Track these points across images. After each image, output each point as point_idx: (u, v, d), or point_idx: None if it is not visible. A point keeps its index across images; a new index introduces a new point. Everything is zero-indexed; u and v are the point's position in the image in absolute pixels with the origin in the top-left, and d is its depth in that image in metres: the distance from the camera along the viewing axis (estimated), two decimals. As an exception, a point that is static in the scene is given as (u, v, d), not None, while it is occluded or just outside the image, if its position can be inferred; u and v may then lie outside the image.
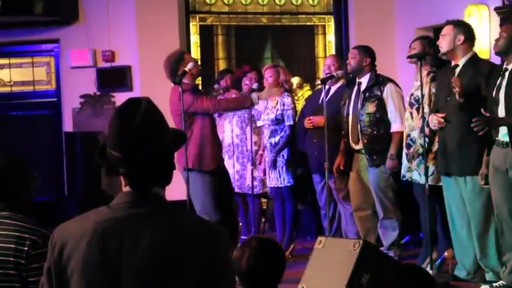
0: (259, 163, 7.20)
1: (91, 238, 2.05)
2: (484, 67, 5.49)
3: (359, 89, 6.32)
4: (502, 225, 5.29)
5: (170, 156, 2.17)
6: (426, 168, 5.69)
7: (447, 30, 5.62)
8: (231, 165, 7.15)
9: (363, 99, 6.25)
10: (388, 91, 6.22)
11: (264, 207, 7.92)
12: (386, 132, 6.20)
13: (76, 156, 8.58)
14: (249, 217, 7.33)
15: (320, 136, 6.38)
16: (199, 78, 7.38)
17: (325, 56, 9.25)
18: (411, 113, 5.97)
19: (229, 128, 7.30)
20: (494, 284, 5.39)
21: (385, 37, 8.90)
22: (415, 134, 5.92)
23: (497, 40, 5.29)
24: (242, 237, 7.23)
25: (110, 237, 2.04)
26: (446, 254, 5.91)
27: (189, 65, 5.96)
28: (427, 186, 5.64)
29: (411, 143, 5.96)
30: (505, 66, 5.23)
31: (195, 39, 9.15)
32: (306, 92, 8.93)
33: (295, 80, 8.71)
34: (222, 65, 9.35)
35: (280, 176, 6.88)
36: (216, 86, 7.74)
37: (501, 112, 5.12)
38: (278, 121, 6.87)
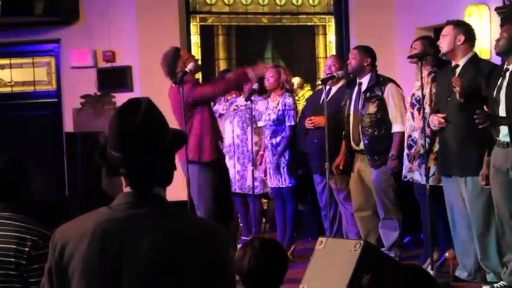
0: (260, 163, 7.19)
1: (91, 239, 2.05)
2: (485, 67, 5.49)
3: (360, 89, 6.32)
4: (503, 225, 5.28)
5: (170, 156, 2.17)
6: (427, 169, 5.69)
7: (447, 31, 5.61)
8: (231, 165, 7.15)
9: (363, 99, 6.24)
10: (389, 91, 6.22)
11: (265, 207, 7.91)
12: (388, 133, 6.20)
13: (76, 156, 8.59)
14: (249, 217, 7.33)
15: (321, 136, 6.38)
16: (200, 73, 7.39)
17: (326, 56, 9.25)
18: (412, 114, 5.97)
19: (230, 129, 7.30)
20: (495, 285, 5.38)
21: (386, 37, 8.90)
22: (416, 135, 5.92)
23: (497, 40, 5.28)
24: (243, 237, 7.24)
25: (110, 237, 2.04)
26: (447, 254, 5.91)
27: (190, 65, 5.97)
28: (427, 186, 5.63)
29: (412, 144, 5.96)
30: (505, 66, 5.22)
31: (195, 39, 9.15)
32: (306, 92, 8.93)
33: (296, 80, 8.71)
34: (222, 65, 9.35)
35: (281, 177, 6.88)
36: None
37: (502, 112, 5.12)
38: (279, 121, 6.87)
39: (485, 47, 7.40)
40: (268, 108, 6.97)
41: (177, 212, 2.12)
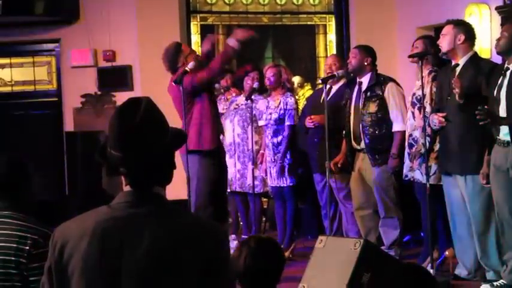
0: (261, 162, 7.19)
1: (91, 238, 2.05)
2: (485, 66, 5.49)
3: (360, 88, 6.32)
4: (503, 224, 5.29)
5: (170, 155, 2.17)
6: (427, 168, 5.69)
7: (447, 30, 5.61)
8: (232, 164, 7.16)
9: (364, 99, 6.25)
10: (389, 91, 6.22)
11: (265, 206, 7.92)
12: (388, 132, 6.20)
13: (77, 155, 8.59)
14: (249, 216, 7.33)
15: (321, 135, 6.38)
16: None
17: (326, 56, 9.25)
18: (413, 113, 5.97)
19: (230, 127, 7.30)
20: (494, 283, 5.39)
21: (386, 36, 8.90)
22: (417, 134, 5.92)
23: (498, 40, 5.28)
24: (243, 236, 7.24)
25: (110, 236, 2.05)
26: (447, 253, 5.91)
27: (190, 65, 5.97)
28: (428, 185, 5.63)
29: (413, 143, 5.96)
30: (506, 65, 5.23)
31: (196, 38, 9.15)
32: (306, 91, 8.94)
33: (296, 80, 8.71)
34: (222, 64, 9.33)
35: (282, 176, 6.88)
36: (216, 85, 7.74)
37: (502, 111, 5.12)
38: (281, 121, 6.87)
39: (485, 46, 7.40)
40: (269, 108, 6.98)
41: (177, 211, 2.13)
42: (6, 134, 8.89)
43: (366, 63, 6.31)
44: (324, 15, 9.65)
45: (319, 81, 7.30)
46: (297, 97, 7.86)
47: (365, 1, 9.22)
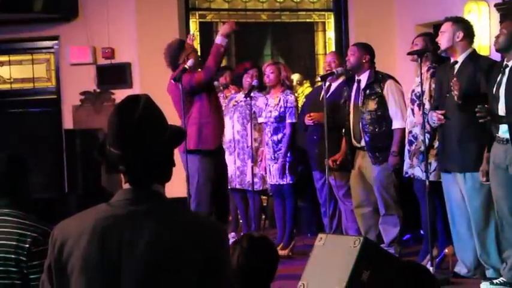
0: (260, 160, 7.19)
1: (91, 236, 2.05)
2: (484, 63, 5.49)
3: (359, 86, 6.31)
4: (502, 221, 5.29)
5: (170, 153, 2.17)
6: (426, 165, 5.69)
7: (446, 27, 5.61)
8: (231, 161, 7.15)
9: (363, 96, 6.24)
10: (389, 88, 6.21)
11: (264, 204, 7.91)
12: (388, 129, 6.19)
13: (76, 153, 8.59)
14: (249, 214, 7.33)
15: (320, 133, 6.38)
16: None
17: (325, 53, 9.25)
18: (413, 110, 5.97)
19: (230, 124, 7.29)
20: (494, 281, 5.39)
21: (385, 34, 8.90)
22: (417, 131, 5.91)
23: (497, 37, 5.28)
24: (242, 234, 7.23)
25: (109, 234, 2.04)
26: (446, 251, 5.91)
27: (189, 62, 5.96)
28: (427, 182, 5.63)
29: (413, 140, 5.96)
30: (505, 62, 5.22)
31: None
32: (306, 88, 8.93)
33: (295, 77, 8.71)
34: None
35: (283, 174, 6.87)
36: (215, 82, 7.73)
37: (501, 109, 5.12)
38: (281, 119, 6.86)
39: (484, 43, 7.40)
40: (268, 105, 6.96)
41: (176, 209, 2.12)
42: (5, 131, 8.88)
43: (364, 61, 6.30)
44: (323, 13, 9.64)
45: (319, 79, 7.31)
46: (296, 95, 7.86)
47: (364, -2, 9.22)
